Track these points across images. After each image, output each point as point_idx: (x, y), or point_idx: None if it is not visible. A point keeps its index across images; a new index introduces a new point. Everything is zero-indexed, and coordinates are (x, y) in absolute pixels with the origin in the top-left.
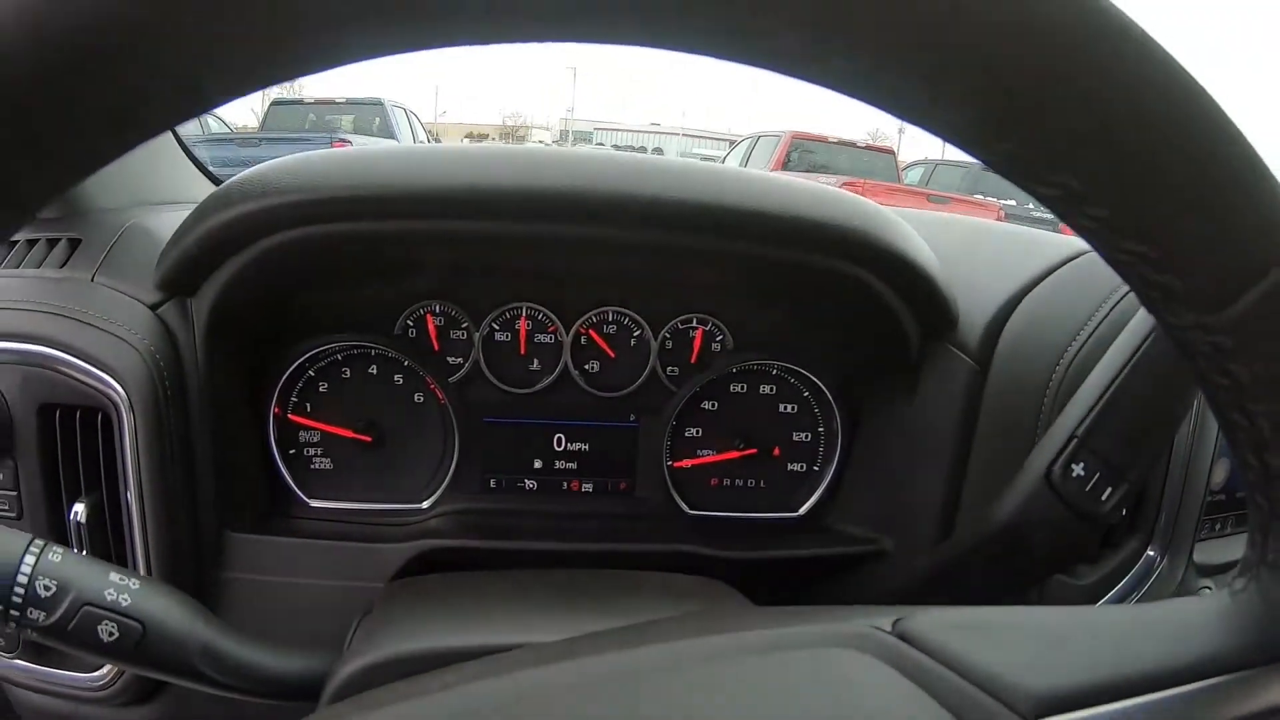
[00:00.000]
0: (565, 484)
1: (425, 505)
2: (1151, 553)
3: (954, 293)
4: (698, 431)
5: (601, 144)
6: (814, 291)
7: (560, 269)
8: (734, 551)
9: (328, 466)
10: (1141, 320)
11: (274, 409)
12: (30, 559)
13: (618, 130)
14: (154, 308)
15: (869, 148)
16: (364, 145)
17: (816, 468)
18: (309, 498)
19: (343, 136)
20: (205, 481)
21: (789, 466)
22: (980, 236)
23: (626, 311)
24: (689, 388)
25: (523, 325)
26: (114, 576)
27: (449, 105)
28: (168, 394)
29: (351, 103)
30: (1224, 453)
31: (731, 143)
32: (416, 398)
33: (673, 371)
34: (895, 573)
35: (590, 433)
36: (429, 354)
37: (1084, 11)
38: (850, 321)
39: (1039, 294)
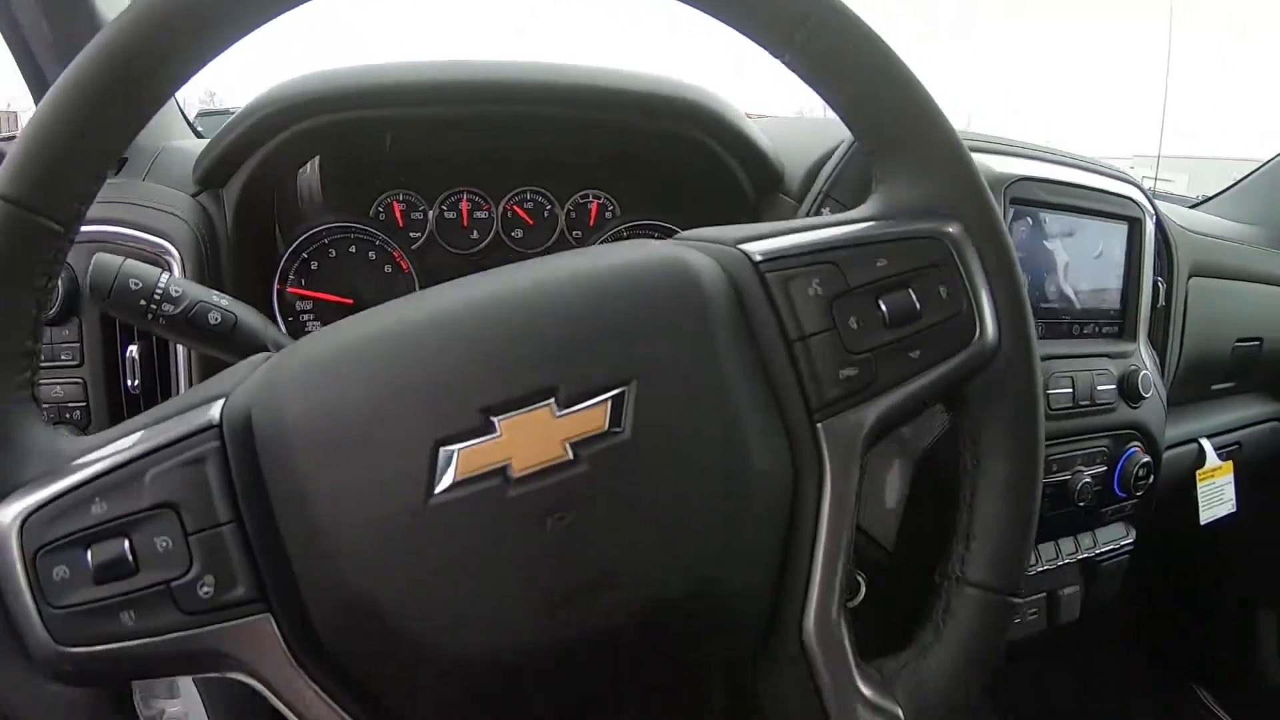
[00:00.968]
0: None
1: None
2: None
3: (779, 155)
4: None
5: None
6: (673, 160)
7: (491, 152)
8: None
9: (319, 327)
10: None
11: (276, 286)
12: (165, 275)
13: None
14: (194, 195)
15: None
16: None
17: None
18: None
19: None
20: None
21: None
22: (805, 123)
23: (541, 190)
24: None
25: (464, 205)
26: (213, 292)
27: None
28: (209, 256)
29: None
30: None
31: None
32: (386, 269)
33: (577, 235)
34: None
35: None
36: (395, 230)
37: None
38: (703, 183)
39: (841, 151)
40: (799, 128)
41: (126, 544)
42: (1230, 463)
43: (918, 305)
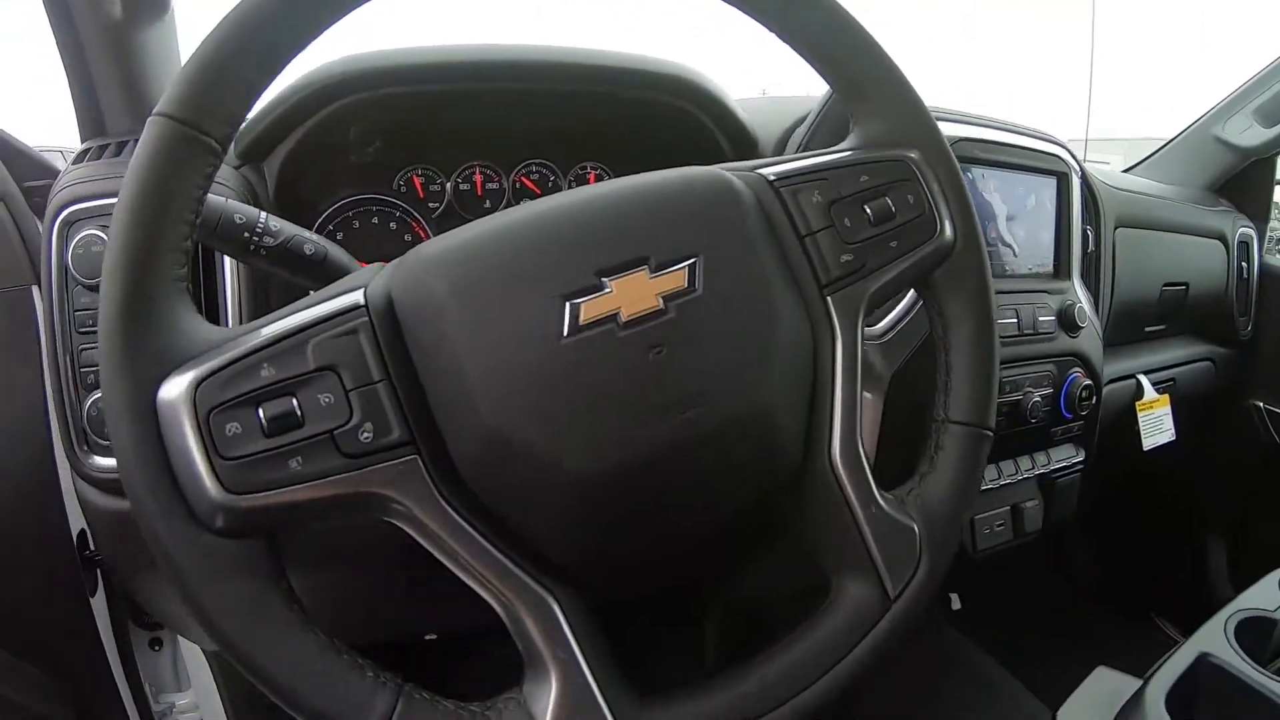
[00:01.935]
0: None
1: None
2: None
3: (754, 126)
4: None
5: None
6: (661, 130)
7: (501, 129)
8: None
9: None
10: None
11: None
12: (264, 214)
13: None
14: (237, 169)
15: None
16: None
17: None
18: None
19: None
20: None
21: None
22: (772, 100)
23: (546, 162)
24: None
25: (478, 177)
26: (303, 229)
27: None
28: None
29: None
30: None
31: None
32: (406, 238)
33: None
34: None
35: None
36: (416, 201)
37: None
38: (688, 150)
39: (811, 117)
40: (767, 105)
41: (294, 401)
42: (1167, 396)
43: (893, 209)
